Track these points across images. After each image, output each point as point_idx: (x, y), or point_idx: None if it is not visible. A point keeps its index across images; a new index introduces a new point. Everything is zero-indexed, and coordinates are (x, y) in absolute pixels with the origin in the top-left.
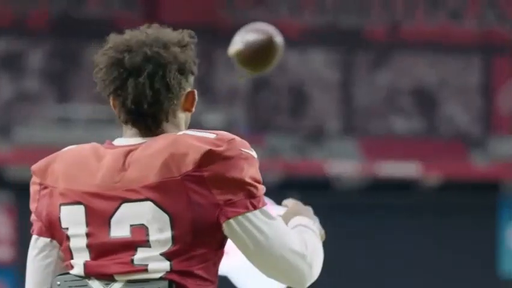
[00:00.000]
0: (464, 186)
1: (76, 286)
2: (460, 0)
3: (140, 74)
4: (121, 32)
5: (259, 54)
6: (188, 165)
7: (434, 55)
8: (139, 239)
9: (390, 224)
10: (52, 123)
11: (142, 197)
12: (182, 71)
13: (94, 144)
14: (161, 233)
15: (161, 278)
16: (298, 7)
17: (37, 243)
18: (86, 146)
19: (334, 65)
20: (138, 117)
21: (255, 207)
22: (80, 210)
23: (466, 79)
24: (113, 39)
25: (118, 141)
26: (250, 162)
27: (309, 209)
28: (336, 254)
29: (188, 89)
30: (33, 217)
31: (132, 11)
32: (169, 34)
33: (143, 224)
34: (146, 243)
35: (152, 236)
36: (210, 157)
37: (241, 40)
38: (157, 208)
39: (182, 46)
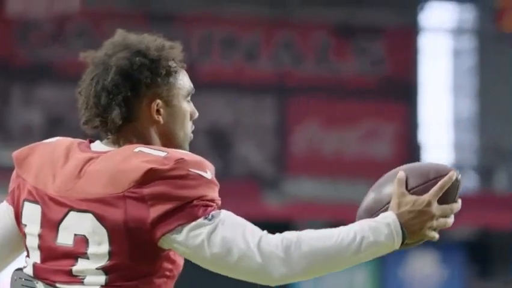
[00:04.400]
0: (257, 226)
1: (27, 286)
2: (255, 41)
3: (90, 77)
4: None
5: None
6: (131, 183)
7: (229, 95)
8: (80, 250)
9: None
10: None
11: (84, 208)
12: (127, 79)
13: (73, 142)
14: (99, 246)
15: None
16: (93, 45)
17: (9, 209)
18: (64, 144)
19: None
20: (88, 119)
21: (189, 222)
22: (38, 210)
23: (260, 119)
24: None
25: (93, 145)
26: (197, 182)
27: (408, 202)
28: None
29: (144, 100)
30: (10, 191)
31: None
32: (135, 41)
33: (84, 235)
34: (85, 255)
35: (91, 249)
36: (150, 175)
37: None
38: (97, 222)
39: (138, 55)
